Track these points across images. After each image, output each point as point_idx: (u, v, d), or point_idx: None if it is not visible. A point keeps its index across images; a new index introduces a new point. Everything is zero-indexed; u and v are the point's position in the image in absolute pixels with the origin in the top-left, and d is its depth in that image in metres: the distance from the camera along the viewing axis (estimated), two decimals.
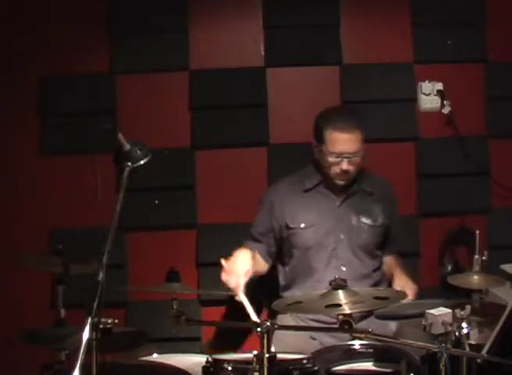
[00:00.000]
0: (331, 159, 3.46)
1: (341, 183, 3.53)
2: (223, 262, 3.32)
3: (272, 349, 2.61)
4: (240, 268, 3.33)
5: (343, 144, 3.45)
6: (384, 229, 3.59)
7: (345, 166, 3.45)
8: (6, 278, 3.92)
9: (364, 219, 3.55)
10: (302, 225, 3.55)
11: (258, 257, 3.59)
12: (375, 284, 3.57)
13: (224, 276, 3.29)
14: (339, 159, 3.45)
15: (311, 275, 3.53)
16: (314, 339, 3.39)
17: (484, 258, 2.94)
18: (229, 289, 3.28)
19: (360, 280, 3.45)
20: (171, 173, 3.99)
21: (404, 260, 3.73)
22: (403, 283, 3.46)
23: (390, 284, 3.59)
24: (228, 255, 3.84)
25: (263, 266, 3.63)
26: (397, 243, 3.71)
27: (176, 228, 4.02)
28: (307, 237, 3.55)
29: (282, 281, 3.65)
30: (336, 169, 3.47)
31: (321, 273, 3.50)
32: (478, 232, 2.98)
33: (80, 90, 3.98)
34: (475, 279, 2.93)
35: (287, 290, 3.61)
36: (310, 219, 3.55)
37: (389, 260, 3.68)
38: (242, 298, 3.26)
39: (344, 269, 3.49)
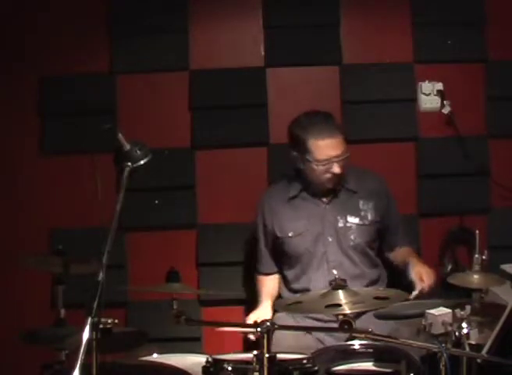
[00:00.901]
0: (320, 167, 3.45)
1: (330, 186, 3.53)
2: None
3: None
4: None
5: (329, 150, 3.44)
6: (376, 226, 3.58)
7: (336, 169, 3.45)
8: (6, 278, 3.92)
9: (351, 219, 3.54)
10: (290, 234, 3.57)
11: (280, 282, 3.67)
12: (371, 283, 3.56)
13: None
14: (329, 165, 3.45)
15: (303, 280, 3.55)
16: (309, 333, 3.39)
17: (484, 257, 2.94)
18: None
19: (352, 280, 3.43)
20: (171, 173, 3.98)
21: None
22: (421, 269, 3.42)
23: (399, 274, 3.60)
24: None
25: None
26: (402, 234, 3.67)
27: (176, 228, 4.01)
28: (295, 245, 3.56)
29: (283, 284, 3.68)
30: (327, 175, 3.47)
31: (314, 278, 3.51)
32: (477, 232, 2.98)
33: (80, 90, 3.97)
34: (475, 278, 2.92)
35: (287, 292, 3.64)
36: (297, 227, 3.56)
37: (402, 251, 3.64)
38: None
39: (335, 272, 3.48)
